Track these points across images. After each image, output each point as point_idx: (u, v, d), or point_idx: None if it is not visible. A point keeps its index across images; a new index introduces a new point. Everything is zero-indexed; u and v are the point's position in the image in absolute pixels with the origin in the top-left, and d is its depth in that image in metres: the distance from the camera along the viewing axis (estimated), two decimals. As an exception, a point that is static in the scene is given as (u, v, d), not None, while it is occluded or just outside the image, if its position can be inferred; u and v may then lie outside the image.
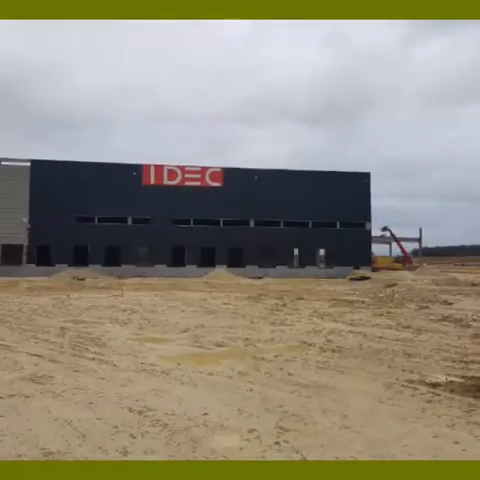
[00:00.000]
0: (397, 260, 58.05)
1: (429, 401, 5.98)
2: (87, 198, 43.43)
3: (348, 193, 47.20)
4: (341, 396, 6.19)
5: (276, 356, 8.61)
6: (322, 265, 48.78)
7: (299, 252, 49.09)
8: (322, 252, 49.75)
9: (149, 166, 45.81)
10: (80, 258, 42.76)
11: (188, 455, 4.28)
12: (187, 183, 45.83)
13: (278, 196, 46.02)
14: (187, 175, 46.07)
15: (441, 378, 7.04)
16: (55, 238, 42.44)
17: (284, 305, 17.66)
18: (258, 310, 16.07)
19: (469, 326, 12.15)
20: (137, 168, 45.47)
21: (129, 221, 44.88)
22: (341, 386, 6.67)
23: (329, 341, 10.19)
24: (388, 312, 15.36)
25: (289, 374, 7.32)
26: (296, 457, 4.25)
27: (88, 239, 43.27)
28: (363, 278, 39.45)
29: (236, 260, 45.09)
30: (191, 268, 43.75)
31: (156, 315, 14.51)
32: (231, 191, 45.40)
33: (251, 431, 4.89)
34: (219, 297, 20.80)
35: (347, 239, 46.67)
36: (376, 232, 54.18)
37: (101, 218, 44.21)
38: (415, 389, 6.51)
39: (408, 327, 12.15)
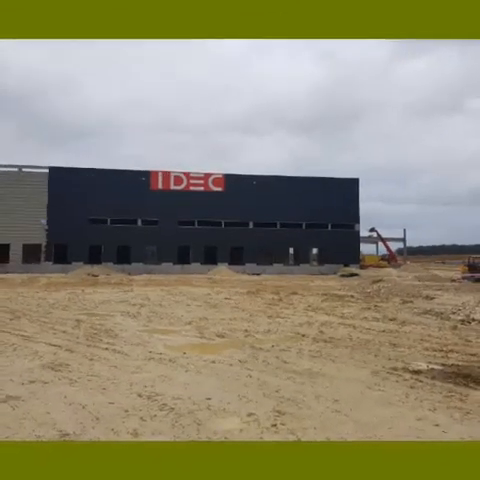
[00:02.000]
0: (383, 258, 58.04)
1: (412, 387, 5.98)
2: (100, 201, 43.41)
3: (339, 197, 47.22)
4: (332, 382, 6.19)
5: (273, 346, 8.60)
6: (315, 263, 48.76)
7: (294, 251, 49.08)
8: (315, 251, 49.75)
9: (157, 172, 45.81)
10: (94, 256, 42.74)
11: (192, 436, 4.28)
12: (192, 188, 45.83)
13: (275, 200, 46.03)
14: (192, 181, 46.07)
15: (423, 366, 7.04)
16: (71, 238, 42.44)
17: (280, 300, 17.64)
18: (257, 304, 16.06)
19: (449, 319, 12.15)
20: (146, 174, 45.47)
21: (138, 223, 44.87)
22: (332, 373, 6.67)
23: (321, 332, 10.18)
24: (375, 306, 15.35)
25: (285, 362, 7.32)
26: (291, 438, 4.25)
27: (101, 239, 43.26)
28: (352, 275, 39.44)
29: (236, 258, 45.08)
30: (195, 266, 43.74)
31: (163, 309, 14.50)
32: (232, 195, 45.40)
33: (250, 414, 4.89)
34: (221, 292, 20.79)
35: (338, 239, 46.68)
36: (364, 233, 54.26)
37: (113, 220, 44.21)
38: (399, 376, 6.50)
39: (393, 319, 12.14)
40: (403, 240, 61.65)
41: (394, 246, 63.40)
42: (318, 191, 47.14)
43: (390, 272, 40.95)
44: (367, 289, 21.42)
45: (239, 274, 39.55)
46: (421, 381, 6.23)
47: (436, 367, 6.97)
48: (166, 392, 5.67)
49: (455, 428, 4.54)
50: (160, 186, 45.38)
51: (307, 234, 46.94)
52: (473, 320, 11.56)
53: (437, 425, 4.61)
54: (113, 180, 44.21)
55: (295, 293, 20.40)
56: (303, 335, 9.83)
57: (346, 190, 48.01)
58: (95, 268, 39.23)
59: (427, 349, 8.41)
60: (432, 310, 13.80)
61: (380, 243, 59.40)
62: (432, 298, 17.78)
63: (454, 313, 12.72)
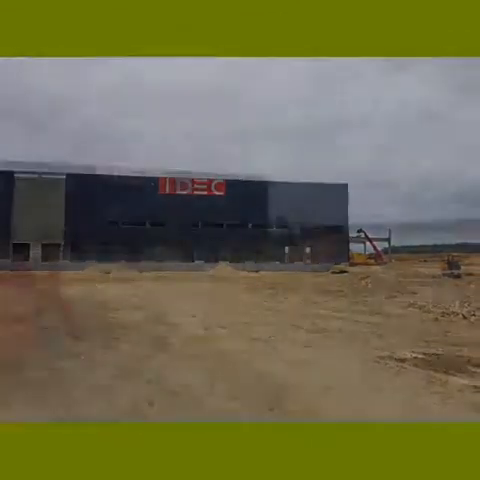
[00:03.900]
0: (370, 257, 58.05)
1: (398, 374, 5.98)
2: (113, 205, 43.38)
3: (330, 200, 47.24)
4: (324, 370, 6.19)
5: (270, 337, 8.60)
6: (308, 261, 48.75)
7: (289, 250, 49.08)
8: (308, 250, 49.74)
9: (165, 178, 45.83)
10: (107, 255, 42.70)
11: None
12: (196, 192, 45.87)
13: (272, 203, 46.05)
14: (196, 186, 46.12)
15: (407, 355, 7.04)
16: (86, 238, 42.43)
17: (277, 294, 17.64)
18: (255, 298, 16.06)
19: (430, 312, 12.15)
20: (154, 180, 45.48)
21: (147, 224, 44.88)
22: (324, 362, 6.67)
23: (314, 324, 10.18)
24: (363, 300, 15.35)
25: (281, 352, 7.31)
26: (287, 420, 4.25)
27: (114, 239, 43.26)
28: (342, 272, 39.42)
29: (237, 257, 45.08)
30: (199, 263, 43.73)
31: (170, 302, 14.49)
32: (233, 199, 45.42)
33: (249, 400, 4.88)
34: (222, 288, 20.79)
35: (329, 239, 46.69)
36: (353, 233, 54.24)
37: (124, 222, 44.21)
38: (386, 364, 6.50)
39: (379, 313, 12.14)
40: (388, 240, 61.65)
41: (380, 246, 63.46)
42: (311, 195, 47.13)
43: (377, 269, 40.97)
44: (356, 285, 21.41)
45: (239, 271, 39.55)
46: (405, 368, 6.23)
47: (419, 356, 6.97)
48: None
49: (436, 411, 4.55)
50: (167, 191, 45.39)
51: (301, 234, 46.97)
52: (452, 313, 11.56)
53: (420, 408, 4.62)
54: (125, 185, 44.21)
55: (290, 289, 20.39)
56: (298, 326, 9.83)
57: (336, 194, 48.02)
58: (108, 265, 39.18)
59: (411, 339, 8.40)
60: (415, 304, 13.80)
61: (367, 243, 59.43)
62: (415, 293, 17.78)
63: (435, 306, 12.72)
